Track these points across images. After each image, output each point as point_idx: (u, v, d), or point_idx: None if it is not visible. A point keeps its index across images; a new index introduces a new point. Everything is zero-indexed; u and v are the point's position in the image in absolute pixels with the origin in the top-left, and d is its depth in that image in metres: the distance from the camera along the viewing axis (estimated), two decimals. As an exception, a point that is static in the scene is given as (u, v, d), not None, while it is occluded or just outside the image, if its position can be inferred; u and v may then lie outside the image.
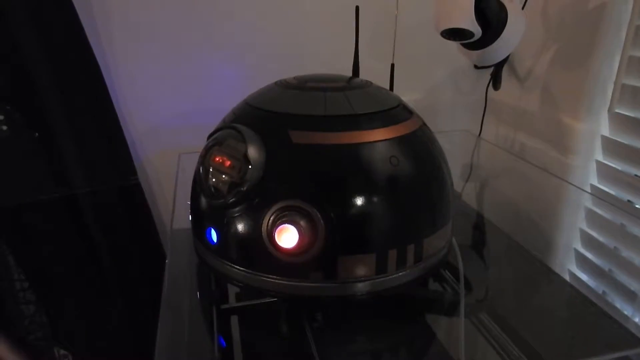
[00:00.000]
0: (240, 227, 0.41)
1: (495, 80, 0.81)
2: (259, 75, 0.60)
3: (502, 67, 0.82)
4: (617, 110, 0.68)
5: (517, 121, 0.87)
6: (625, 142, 0.67)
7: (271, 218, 0.40)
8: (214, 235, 0.44)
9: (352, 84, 0.49)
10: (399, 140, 0.43)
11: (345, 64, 0.59)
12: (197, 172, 0.43)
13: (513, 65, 0.85)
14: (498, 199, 0.81)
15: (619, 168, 0.69)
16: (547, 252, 0.71)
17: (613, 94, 0.67)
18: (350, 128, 0.42)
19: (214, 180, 0.42)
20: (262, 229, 0.40)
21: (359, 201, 0.40)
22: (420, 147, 0.45)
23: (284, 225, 0.39)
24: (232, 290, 0.54)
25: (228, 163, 0.42)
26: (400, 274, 0.43)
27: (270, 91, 0.48)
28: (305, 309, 0.50)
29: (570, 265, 0.74)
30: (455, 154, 0.97)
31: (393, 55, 0.56)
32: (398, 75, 0.69)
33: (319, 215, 0.39)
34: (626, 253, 0.66)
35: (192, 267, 0.57)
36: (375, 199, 0.41)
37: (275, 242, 0.39)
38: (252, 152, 0.41)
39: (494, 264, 0.63)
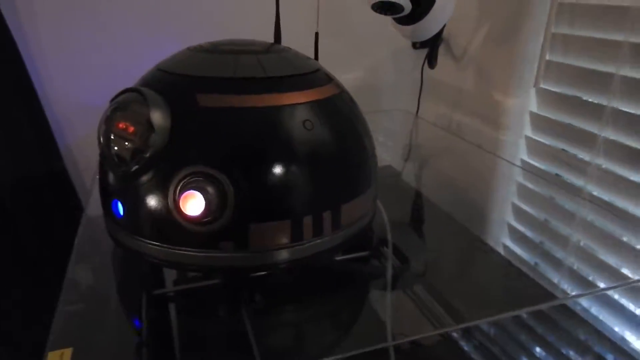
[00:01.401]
0: (145, 196, 0.39)
1: (431, 59, 0.81)
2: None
3: (438, 45, 0.82)
4: (542, 86, 0.69)
5: (454, 99, 0.88)
6: (552, 117, 0.69)
7: (176, 185, 0.38)
8: (120, 208, 0.41)
9: (268, 49, 0.47)
10: (314, 105, 0.42)
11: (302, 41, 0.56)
12: (98, 139, 0.40)
13: (449, 44, 0.86)
14: (436, 177, 0.82)
15: (547, 143, 0.70)
16: (483, 226, 0.71)
17: (537, 70, 0.68)
18: (260, 91, 0.40)
19: (116, 148, 0.39)
20: (168, 197, 0.38)
21: (270, 166, 0.38)
22: (337, 112, 0.44)
23: (189, 191, 0.37)
24: (170, 274, 0.51)
25: (131, 129, 0.39)
26: (317, 241, 0.41)
27: (181, 55, 0.45)
28: (244, 291, 0.48)
29: (504, 238, 0.75)
30: (395, 133, 0.97)
31: (317, 24, 0.54)
32: (340, 54, 0.68)
33: (228, 181, 0.37)
34: (555, 225, 0.67)
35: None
36: (287, 164, 0.39)
37: (181, 210, 0.37)
38: (156, 116, 0.38)
39: (430, 240, 0.63)
